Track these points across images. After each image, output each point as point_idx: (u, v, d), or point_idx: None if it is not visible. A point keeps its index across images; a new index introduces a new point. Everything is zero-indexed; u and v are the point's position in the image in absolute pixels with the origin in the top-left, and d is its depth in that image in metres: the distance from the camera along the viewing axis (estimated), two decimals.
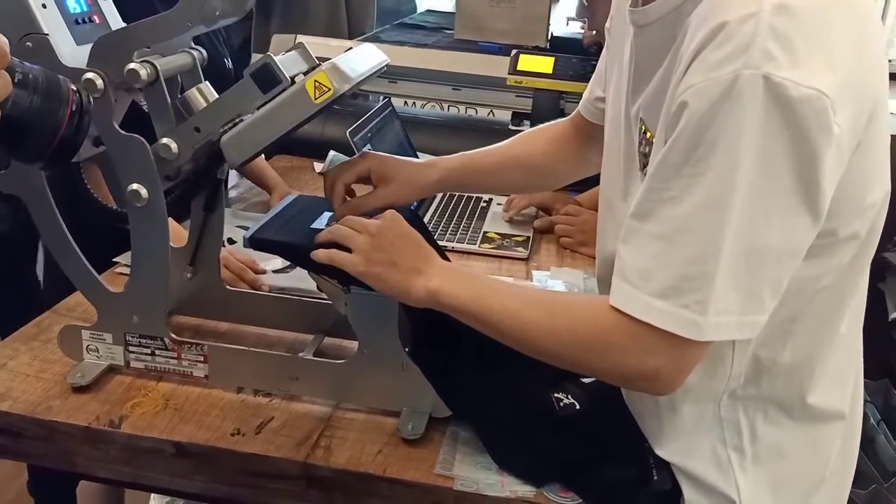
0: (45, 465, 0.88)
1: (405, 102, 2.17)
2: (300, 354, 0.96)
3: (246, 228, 1.35)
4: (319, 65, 0.83)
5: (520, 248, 1.40)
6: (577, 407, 0.83)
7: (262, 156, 1.63)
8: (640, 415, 0.81)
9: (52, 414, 0.86)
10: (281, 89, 0.81)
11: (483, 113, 2.16)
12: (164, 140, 0.85)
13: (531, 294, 0.78)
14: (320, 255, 0.82)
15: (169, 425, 0.86)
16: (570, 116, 1.08)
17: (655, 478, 0.78)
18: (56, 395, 0.89)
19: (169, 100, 0.85)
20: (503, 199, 1.60)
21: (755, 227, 0.63)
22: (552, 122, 1.12)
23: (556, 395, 0.84)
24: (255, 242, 0.88)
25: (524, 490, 0.80)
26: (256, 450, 0.83)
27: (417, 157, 1.65)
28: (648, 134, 0.75)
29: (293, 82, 0.81)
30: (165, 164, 0.87)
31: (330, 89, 0.79)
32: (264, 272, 1.19)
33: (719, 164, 0.62)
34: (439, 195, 1.62)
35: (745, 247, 0.63)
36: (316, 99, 0.79)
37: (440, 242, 1.37)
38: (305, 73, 0.85)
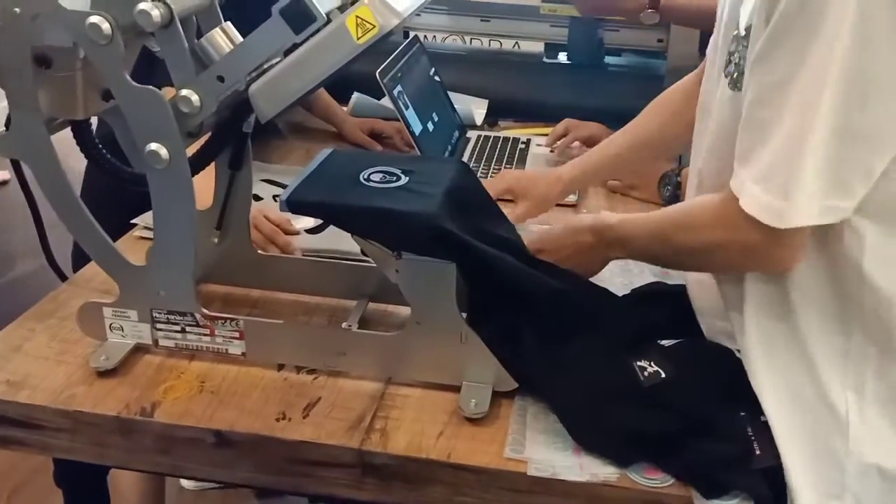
0: (72, 458, 0.81)
1: (425, 36, 2.03)
2: (345, 325, 0.87)
3: (273, 182, 1.27)
4: (355, 2, 0.71)
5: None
6: (663, 376, 0.74)
7: (323, 89, 1.54)
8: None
9: (76, 403, 0.78)
10: (316, 28, 0.69)
11: (508, 45, 2.01)
12: (184, 92, 0.74)
13: (655, 227, 0.81)
14: None
15: (207, 411, 0.78)
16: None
17: (758, 452, 0.70)
18: (79, 380, 0.81)
19: (186, 44, 0.74)
20: (542, 139, 1.48)
21: (850, 106, 0.62)
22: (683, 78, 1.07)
23: (638, 363, 0.75)
24: (294, 206, 0.77)
25: (606, 473, 0.72)
26: (306, 436, 0.75)
27: (448, 95, 1.53)
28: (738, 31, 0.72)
29: (329, 20, 0.70)
30: (187, 119, 0.76)
31: (374, 27, 0.68)
32: (297, 233, 1.09)
33: (819, 40, 0.62)
34: (473, 139, 1.50)
35: (840, 128, 0.63)
36: (358, 38, 0.68)
37: None
38: (341, 9, 0.74)
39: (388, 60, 1.29)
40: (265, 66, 0.74)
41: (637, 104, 1.57)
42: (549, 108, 1.63)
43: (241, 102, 0.78)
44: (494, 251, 0.78)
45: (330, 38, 0.69)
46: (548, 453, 0.73)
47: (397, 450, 0.74)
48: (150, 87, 0.73)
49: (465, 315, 0.79)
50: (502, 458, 0.73)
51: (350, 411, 0.78)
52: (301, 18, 0.69)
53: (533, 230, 0.93)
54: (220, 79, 0.74)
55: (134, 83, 0.73)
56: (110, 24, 0.69)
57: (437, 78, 1.51)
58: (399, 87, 1.29)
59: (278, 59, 0.75)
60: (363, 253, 0.82)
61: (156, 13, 0.70)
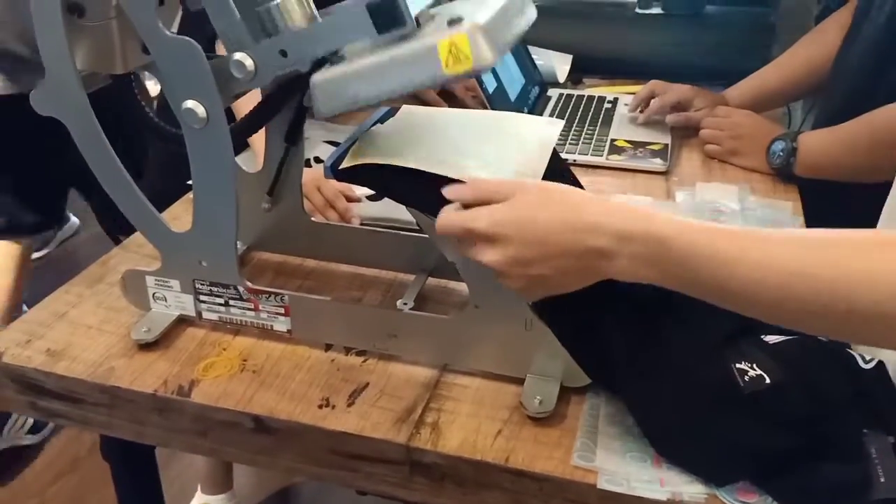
0: (112, 435, 0.77)
1: None
2: (399, 303, 0.79)
3: (336, 144, 1.20)
4: (458, 20, 0.60)
5: (657, 159, 1.16)
6: (767, 381, 0.62)
7: None
8: None
9: (114, 378, 0.74)
10: (401, 34, 0.61)
11: None
12: (238, 55, 0.66)
13: (793, 269, 0.49)
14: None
15: (246, 393, 0.72)
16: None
17: (882, 479, 0.58)
18: (119, 352, 0.77)
19: (233, 7, 0.66)
20: (631, 99, 1.35)
21: None
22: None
23: (738, 365, 0.64)
24: (341, 173, 0.69)
25: (691, 492, 0.61)
26: (349, 427, 0.68)
27: (527, 50, 1.41)
28: None
29: (419, 25, 0.61)
30: (235, 83, 0.68)
31: (468, 61, 0.59)
32: (359, 200, 1.01)
33: None
34: (554, 97, 1.38)
35: None
36: (446, 67, 0.59)
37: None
38: (431, 6, 0.65)
39: None
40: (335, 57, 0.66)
41: (741, 60, 1.42)
42: (640, 65, 1.49)
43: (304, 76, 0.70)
44: None
45: (415, 56, 0.60)
46: (622, 464, 0.64)
47: (449, 448, 0.66)
48: (186, 37, 0.66)
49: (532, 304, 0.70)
50: (569, 465, 0.64)
51: (399, 400, 0.71)
52: (389, 19, 0.60)
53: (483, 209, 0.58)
54: (283, 53, 0.66)
55: (167, 32, 0.66)
56: None
57: None
58: None
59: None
60: (419, 227, 0.74)
61: None
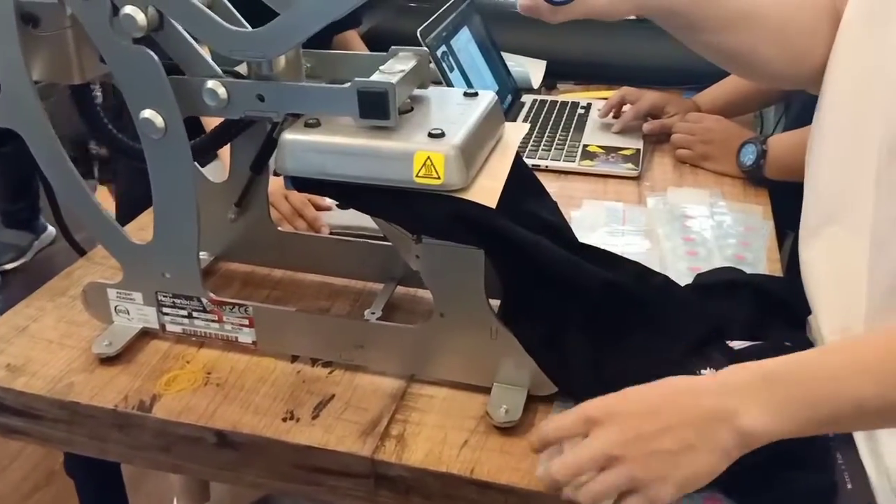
0: (73, 451, 0.75)
1: None
2: (366, 313, 0.78)
3: None
4: (440, 135, 0.63)
5: (629, 164, 1.16)
6: None
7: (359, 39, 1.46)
8: None
9: (73, 393, 0.72)
10: (381, 126, 0.64)
11: None
12: (211, 83, 0.66)
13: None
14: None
15: (209, 407, 0.71)
16: None
17: (849, 486, 0.58)
18: (80, 367, 0.75)
19: (193, 43, 0.67)
20: (602, 105, 1.35)
21: None
22: None
23: (703, 371, 0.63)
24: (302, 183, 0.67)
25: None
26: (313, 441, 0.67)
27: (501, 56, 1.41)
28: None
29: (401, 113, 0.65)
30: (203, 107, 0.68)
31: (438, 179, 0.62)
32: (328, 208, 1.00)
33: None
34: (528, 103, 1.38)
35: None
36: (416, 176, 0.62)
37: (529, 162, 1.15)
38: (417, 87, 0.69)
39: (432, 18, 1.17)
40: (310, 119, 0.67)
41: (713, 65, 1.41)
42: (614, 70, 1.49)
43: None
44: (531, 235, 0.67)
45: (391, 156, 0.63)
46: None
47: (414, 461, 0.65)
48: (141, 46, 0.65)
49: (498, 304, 0.69)
50: (535, 476, 0.63)
51: (365, 412, 0.70)
52: (375, 110, 0.62)
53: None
54: (261, 98, 0.66)
55: (122, 42, 0.65)
56: None
57: (489, 38, 1.38)
58: (444, 48, 1.18)
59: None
60: (384, 234, 0.73)
61: (140, 17, 0.63)
